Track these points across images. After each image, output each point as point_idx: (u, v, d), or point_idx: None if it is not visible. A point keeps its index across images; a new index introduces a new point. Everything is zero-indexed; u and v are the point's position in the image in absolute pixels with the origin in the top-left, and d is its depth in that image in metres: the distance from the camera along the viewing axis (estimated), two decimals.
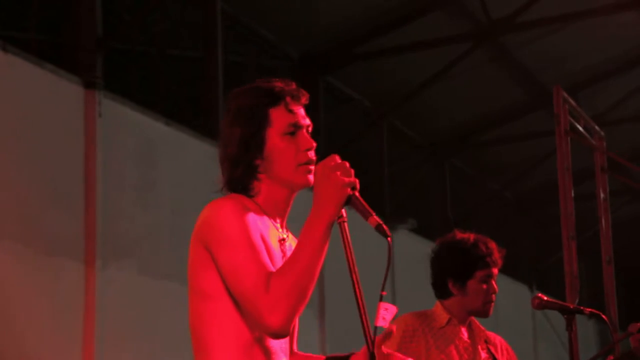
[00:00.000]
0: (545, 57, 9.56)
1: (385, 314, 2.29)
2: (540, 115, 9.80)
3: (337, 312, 8.50)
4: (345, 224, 2.29)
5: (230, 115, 2.43)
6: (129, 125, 6.78)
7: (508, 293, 10.16)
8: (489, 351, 3.79)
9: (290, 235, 2.46)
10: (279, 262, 2.32)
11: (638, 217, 13.26)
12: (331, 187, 2.25)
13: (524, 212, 12.88)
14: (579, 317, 3.88)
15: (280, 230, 2.42)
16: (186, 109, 7.84)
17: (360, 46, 8.91)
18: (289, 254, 2.35)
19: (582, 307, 3.76)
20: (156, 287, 6.74)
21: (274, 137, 2.37)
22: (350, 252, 2.29)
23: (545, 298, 3.70)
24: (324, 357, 2.56)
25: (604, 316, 3.78)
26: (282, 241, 2.41)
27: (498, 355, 3.80)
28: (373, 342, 2.24)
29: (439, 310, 3.71)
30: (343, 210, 2.28)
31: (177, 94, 7.95)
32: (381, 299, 2.32)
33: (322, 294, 8.52)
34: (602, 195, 6.89)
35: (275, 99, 2.39)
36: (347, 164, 2.29)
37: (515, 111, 10.37)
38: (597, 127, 7.06)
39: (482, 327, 3.83)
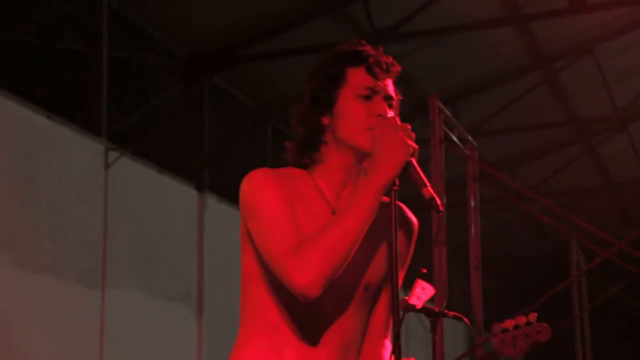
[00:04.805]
0: (425, 68, 9.84)
1: (421, 293, 2.21)
2: (418, 124, 10.08)
3: (216, 310, 8.55)
4: (396, 194, 2.14)
5: (308, 75, 2.29)
6: (8, 116, 6.69)
7: None
8: None
9: None
10: None
11: (508, 225, 13.75)
12: (393, 147, 2.11)
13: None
14: (450, 320, 4.08)
15: (334, 203, 2.23)
16: (69, 104, 7.77)
17: (247, 48, 8.99)
18: None
19: (445, 311, 3.96)
20: (34, 281, 6.68)
21: (347, 97, 2.22)
22: (396, 225, 2.14)
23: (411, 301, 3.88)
24: None
25: (466, 319, 3.96)
26: (332, 215, 2.19)
27: None
28: (400, 321, 2.11)
29: None
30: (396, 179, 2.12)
31: (60, 87, 7.88)
32: (420, 276, 2.23)
33: (200, 291, 8.56)
34: (472, 203, 7.18)
35: (357, 59, 2.24)
36: (409, 126, 2.17)
37: None
38: (470, 138, 7.36)
39: None
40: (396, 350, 2.09)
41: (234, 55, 9.02)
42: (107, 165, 7.50)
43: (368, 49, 2.27)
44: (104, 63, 7.75)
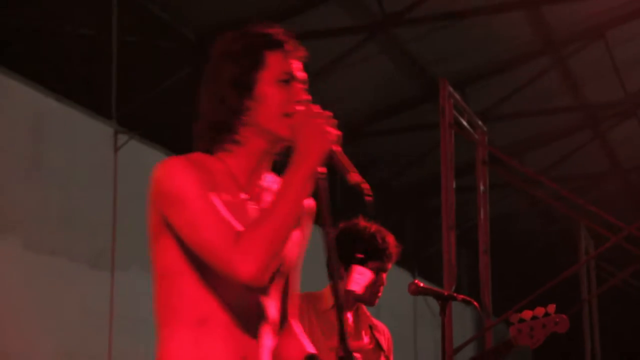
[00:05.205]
0: (435, 52, 9.80)
1: (359, 278, 2.23)
2: (428, 108, 10.07)
3: None
4: (324, 182, 2.14)
5: (220, 55, 2.26)
6: (18, 99, 6.70)
7: (391, 279, 10.39)
8: (372, 336, 3.93)
9: (268, 195, 2.24)
10: (241, 223, 2.11)
11: (517, 209, 13.74)
12: (314, 135, 2.10)
13: (409, 201, 13.18)
14: (458, 304, 4.08)
15: (246, 189, 2.22)
16: (78, 87, 7.77)
17: None
18: (255, 214, 2.16)
19: (455, 294, 3.96)
20: (43, 263, 6.70)
21: (266, 81, 2.19)
22: (328, 212, 2.15)
23: (421, 284, 3.88)
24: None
25: (475, 303, 3.98)
26: (245, 201, 2.20)
27: (382, 341, 3.95)
28: (341, 306, 2.12)
29: (327, 293, 3.76)
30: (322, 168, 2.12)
31: (70, 71, 7.87)
32: (358, 262, 2.24)
33: None
34: (481, 187, 7.17)
35: (274, 42, 2.22)
36: (330, 114, 2.15)
37: (403, 103, 10.60)
38: (480, 122, 7.34)
39: (368, 314, 3.96)
40: (342, 338, 2.10)
41: None
42: (116, 148, 7.51)
43: (283, 32, 2.25)
44: (113, 46, 7.74)
